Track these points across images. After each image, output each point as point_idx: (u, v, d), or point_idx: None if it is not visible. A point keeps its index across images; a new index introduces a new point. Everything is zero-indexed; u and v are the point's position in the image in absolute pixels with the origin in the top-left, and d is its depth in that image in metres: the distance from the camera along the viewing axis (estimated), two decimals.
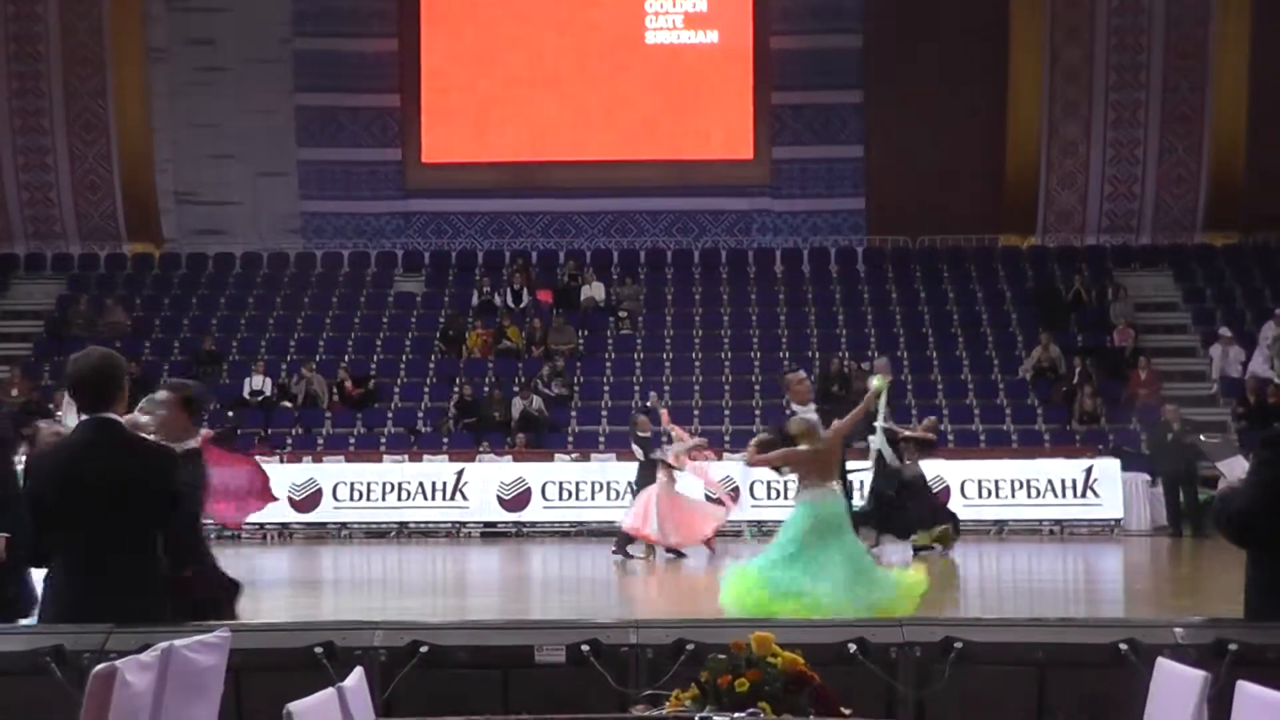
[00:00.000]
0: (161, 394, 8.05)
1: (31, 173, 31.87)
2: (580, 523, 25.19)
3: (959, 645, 6.15)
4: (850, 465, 15.91)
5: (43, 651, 5.88)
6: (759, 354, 29.68)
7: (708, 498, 21.66)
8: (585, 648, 6.16)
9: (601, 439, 27.70)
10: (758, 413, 27.60)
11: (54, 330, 30.34)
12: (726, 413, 28.38)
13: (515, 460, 25.92)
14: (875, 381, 14.19)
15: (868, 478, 19.68)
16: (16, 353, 29.93)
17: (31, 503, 6.49)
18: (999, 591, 17.66)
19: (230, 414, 27.70)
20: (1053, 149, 31.63)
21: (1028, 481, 25.03)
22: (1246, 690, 4.70)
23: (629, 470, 22.17)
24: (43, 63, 31.38)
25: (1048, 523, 25.16)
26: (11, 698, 5.87)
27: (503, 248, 32.52)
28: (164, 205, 32.23)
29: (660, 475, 20.23)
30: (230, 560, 20.28)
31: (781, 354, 29.31)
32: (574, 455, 26.26)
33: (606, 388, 29.15)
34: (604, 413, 28.55)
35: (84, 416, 6.48)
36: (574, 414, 28.48)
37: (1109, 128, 31.41)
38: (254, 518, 20.98)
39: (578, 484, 25.20)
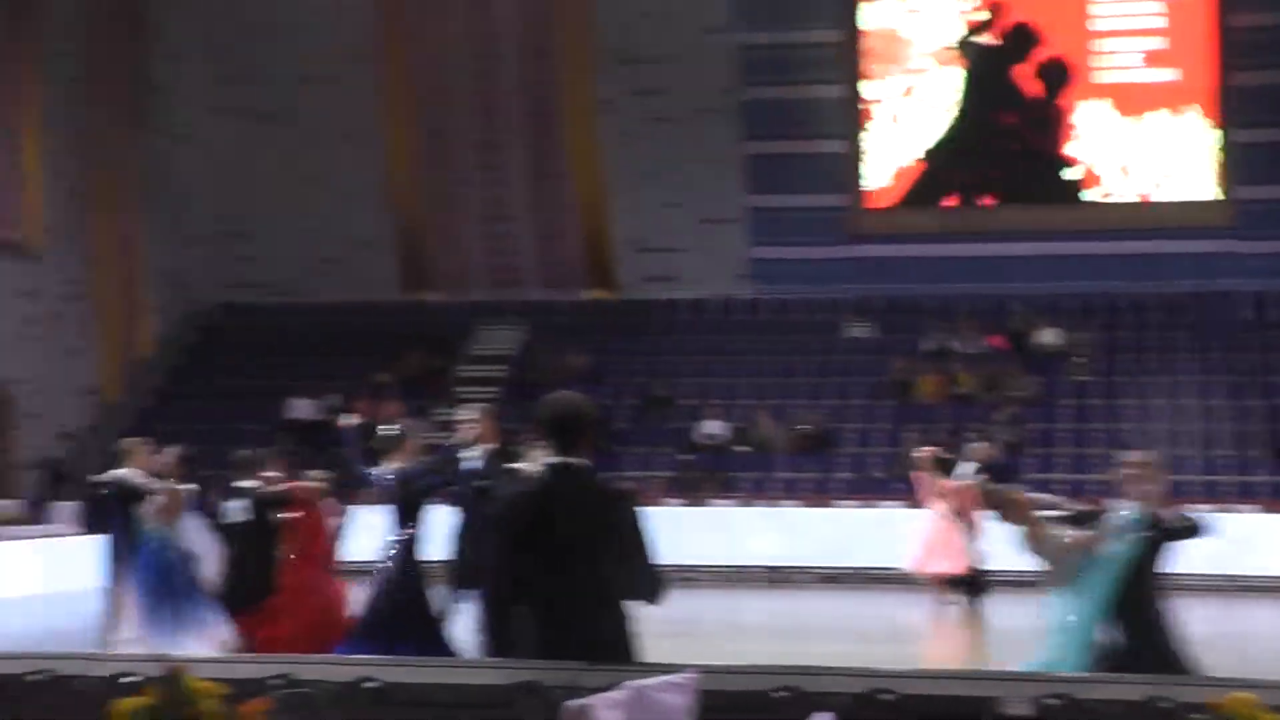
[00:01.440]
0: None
1: (493, 224, 33.12)
2: (1026, 571, 24.55)
3: (887, 696, 5.93)
4: None
5: (517, 686, 6.03)
6: (1225, 402, 28.55)
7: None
8: (1054, 701, 5.96)
9: (1055, 486, 27.05)
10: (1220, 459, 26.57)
11: (517, 375, 31.41)
12: (1198, 462, 27.33)
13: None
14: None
15: None
16: (483, 396, 31.07)
17: (501, 542, 6.67)
18: None
19: (687, 457, 28.19)
20: None
21: None
22: None
23: None
24: (502, 118, 32.60)
25: None
26: None
27: (954, 292, 32.17)
28: (619, 253, 33.04)
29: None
30: (689, 601, 20.60)
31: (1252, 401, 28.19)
32: None
33: (1062, 436, 28.48)
34: (1059, 461, 27.90)
35: (553, 459, 6.61)
36: (1028, 462, 27.91)
37: None
38: None
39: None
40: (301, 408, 30.85)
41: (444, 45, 32.43)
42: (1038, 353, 30.25)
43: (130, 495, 13.01)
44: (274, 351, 33.04)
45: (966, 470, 21.18)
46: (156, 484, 13.12)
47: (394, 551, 11.40)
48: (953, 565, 20.49)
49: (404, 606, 11.32)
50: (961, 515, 20.38)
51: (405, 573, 11.38)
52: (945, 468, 21.21)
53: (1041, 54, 31.99)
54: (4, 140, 27.90)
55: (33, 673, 6.26)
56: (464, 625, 11.07)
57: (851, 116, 32.37)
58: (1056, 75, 31.95)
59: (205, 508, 15.35)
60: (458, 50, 32.40)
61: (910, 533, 21.34)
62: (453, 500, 11.86)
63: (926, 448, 22.06)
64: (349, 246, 33.32)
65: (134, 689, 5.41)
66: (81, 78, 30.47)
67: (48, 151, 29.07)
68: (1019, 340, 30.51)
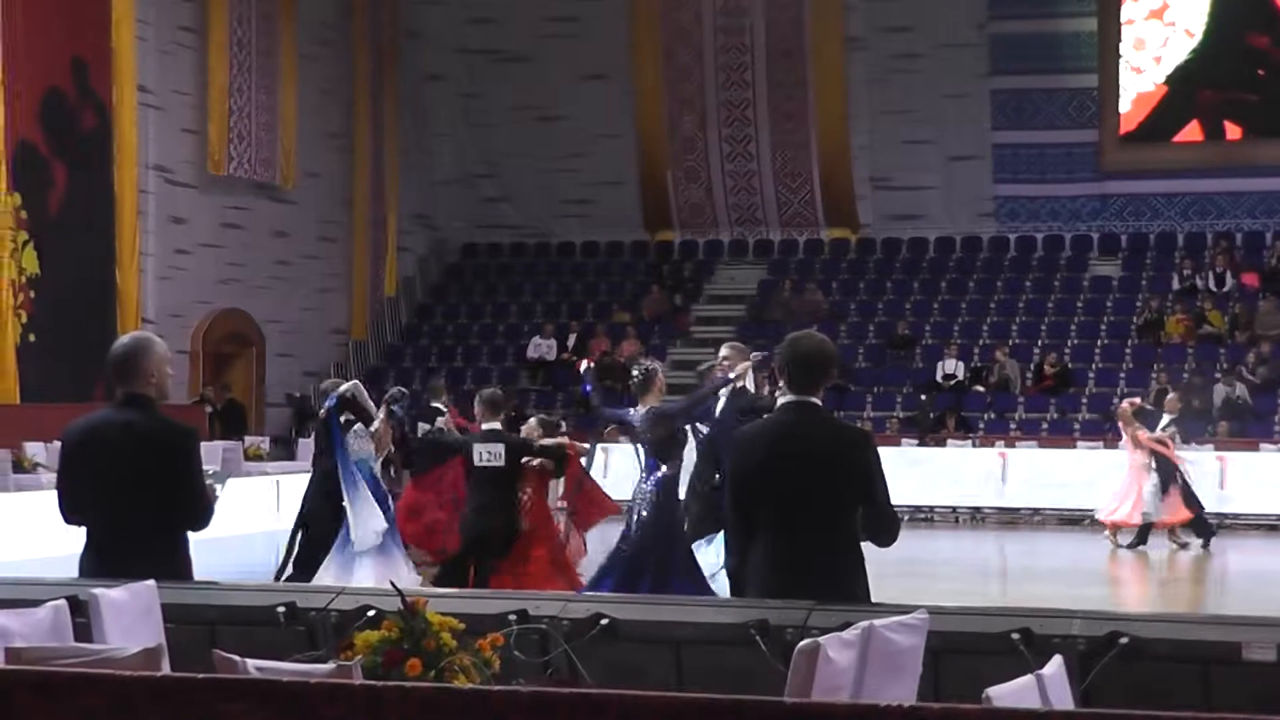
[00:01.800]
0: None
1: (736, 162, 33.10)
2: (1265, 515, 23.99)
3: (1124, 640, 5.88)
4: None
5: (750, 624, 6.08)
6: None
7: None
8: None
9: None
10: None
11: (755, 314, 31.47)
12: None
13: (1217, 449, 24.95)
14: None
15: None
16: (721, 335, 31.16)
17: (733, 480, 6.70)
18: None
19: (923, 397, 27.97)
20: None
21: None
22: None
23: None
24: (747, 54, 32.52)
25: None
26: (722, 665, 6.10)
27: (1204, 229, 31.35)
28: (860, 192, 32.79)
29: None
30: (922, 542, 20.50)
31: None
32: None
33: None
34: None
35: (789, 398, 6.62)
36: None
37: None
38: None
39: None
40: (542, 347, 31.27)
41: None
42: None
43: (362, 414, 12.89)
44: (516, 291, 33.53)
45: (1164, 421, 21.09)
46: (378, 412, 13.04)
47: (649, 491, 11.42)
48: (1132, 514, 20.46)
49: (653, 546, 11.35)
50: (1156, 466, 20.35)
51: (660, 513, 11.39)
52: (1146, 419, 21.07)
53: None
54: (262, 84, 28.64)
55: (279, 604, 6.47)
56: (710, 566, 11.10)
57: (1103, 49, 31.58)
58: None
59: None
60: None
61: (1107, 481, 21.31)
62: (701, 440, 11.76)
63: (1128, 400, 21.93)
64: (593, 187, 33.60)
65: (376, 622, 5.56)
66: (336, 22, 31.13)
67: (304, 94, 29.77)
68: (1274, 277, 29.62)
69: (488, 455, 12.56)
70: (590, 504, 13.48)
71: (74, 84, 25.12)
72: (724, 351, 11.60)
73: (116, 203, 25.57)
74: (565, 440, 13.52)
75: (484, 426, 12.87)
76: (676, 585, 10.85)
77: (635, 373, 11.92)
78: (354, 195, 31.70)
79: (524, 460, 12.74)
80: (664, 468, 11.41)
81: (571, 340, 31.24)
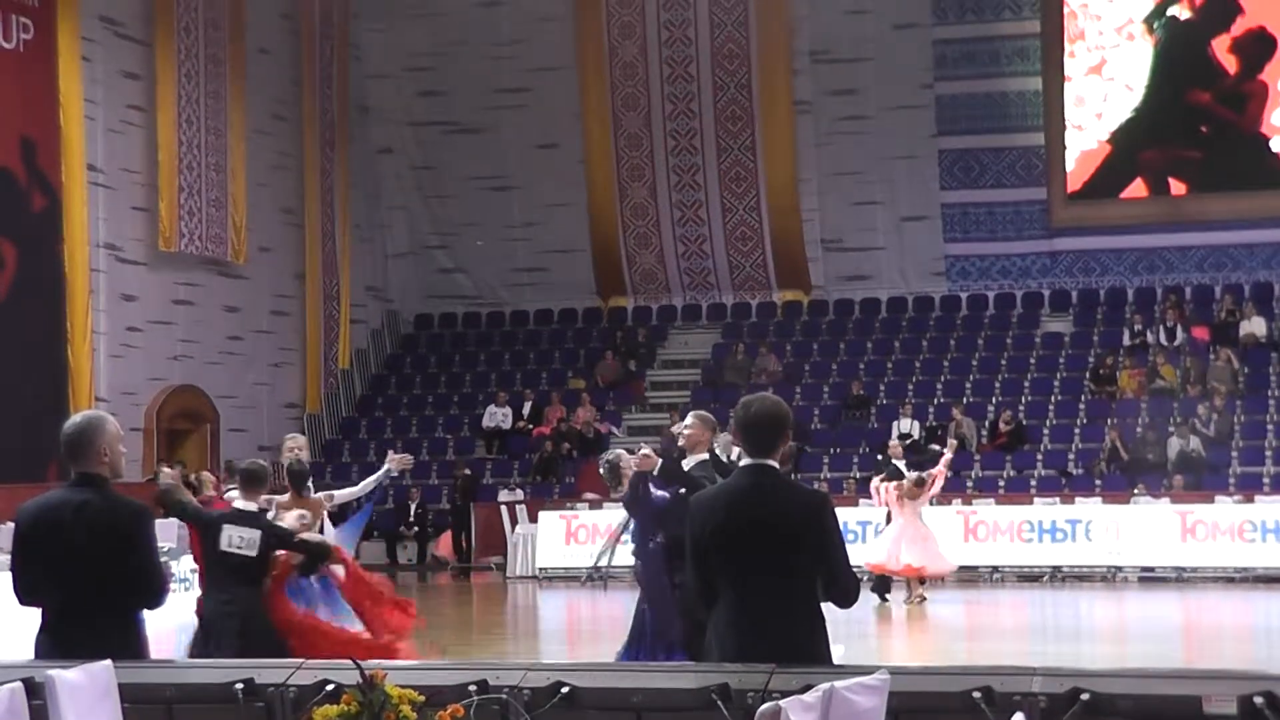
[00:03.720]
0: None
1: (687, 226, 33.23)
2: (1244, 568, 24.12)
3: (1085, 696, 5.84)
4: None
5: (711, 689, 6.05)
6: None
7: None
8: (1259, 700, 5.83)
9: (1265, 480, 26.49)
10: None
11: (710, 379, 31.52)
12: None
13: (1173, 502, 25.07)
14: None
15: None
16: (675, 400, 31.25)
17: (691, 546, 6.69)
18: None
19: (879, 458, 27.99)
20: None
21: None
22: None
23: None
24: (696, 120, 32.70)
25: None
26: None
27: (1154, 284, 31.59)
28: (811, 253, 32.94)
29: None
30: (875, 602, 20.47)
31: None
32: (1236, 498, 25.18)
33: (1270, 426, 27.83)
34: (1268, 453, 27.27)
35: (746, 462, 6.61)
36: (1235, 455, 27.33)
37: None
38: None
39: (1239, 526, 24.12)
40: (498, 415, 31.23)
41: (639, 53, 32.58)
42: (1245, 343, 29.55)
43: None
44: (471, 361, 33.52)
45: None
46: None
47: (644, 563, 11.28)
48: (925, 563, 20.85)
49: (653, 617, 11.24)
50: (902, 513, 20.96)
51: (658, 582, 11.26)
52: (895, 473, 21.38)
53: (1240, 26, 31.13)
54: (212, 160, 28.62)
55: (236, 681, 6.42)
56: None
57: (1048, 108, 31.84)
58: (1257, 48, 31.06)
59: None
60: (653, 56, 32.55)
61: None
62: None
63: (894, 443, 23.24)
64: (545, 256, 33.67)
65: (335, 696, 5.52)
66: (286, 97, 31.17)
67: (255, 170, 29.77)
68: (1224, 330, 29.84)
69: (239, 541, 10.34)
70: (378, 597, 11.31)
71: (23, 164, 25.08)
72: (688, 420, 11.53)
73: (67, 282, 25.49)
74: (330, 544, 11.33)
75: (237, 505, 10.65)
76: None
77: (601, 469, 11.83)
78: (306, 269, 31.67)
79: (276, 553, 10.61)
80: (655, 538, 11.31)
81: (527, 408, 31.24)
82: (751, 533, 6.39)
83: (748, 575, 6.38)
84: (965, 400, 29.74)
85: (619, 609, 13.58)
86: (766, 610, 6.35)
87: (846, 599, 6.64)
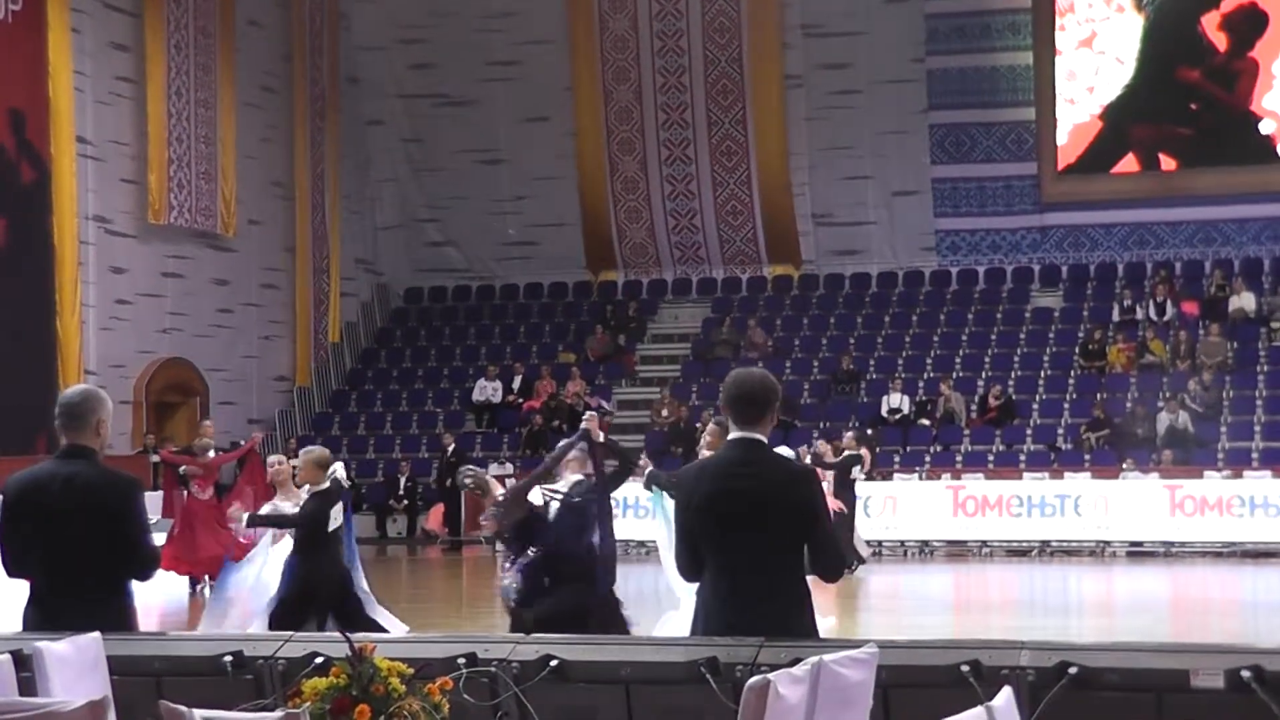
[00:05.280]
0: None
1: (678, 201, 33.19)
2: (1232, 543, 24.19)
3: (1073, 670, 5.89)
4: None
5: (700, 662, 6.06)
6: None
7: None
8: (1246, 673, 5.85)
9: (1254, 455, 26.53)
10: None
11: (700, 353, 31.52)
12: None
13: (1162, 477, 25.14)
14: None
15: None
16: (665, 374, 31.25)
17: (679, 516, 6.68)
18: None
19: (869, 431, 28.02)
20: None
21: None
22: None
23: None
24: (686, 94, 32.63)
25: None
26: (672, 704, 6.09)
27: (1144, 259, 31.59)
28: (802, 228, 32.91)
29: None
30: (873, 576, 20.52)
31: None
32: (1225, 473, 25.24)
33: (1259, 401, 27.87)
34: (1257, 428, 27.31)
35: (734, 434, 6.61)
36: (1224, 430, 27.37)
37: None
38: None
39: (1228, 501, 24.19)
40: (488, 389, 31.22)
41: (630, 26, 32.51)
42: (1234, 318, 29.57)
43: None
44: (461, 334, 33.49)
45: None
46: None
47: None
48: None
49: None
50: None
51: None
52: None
53: (1230, 2, 31.07)
54: (201, 133, 28.55)
55: (225, 654, 6.42)
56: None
57: (1039, 83, 31.77)
58: (1248, 24, 31.01)
59: None
60: (644, 30, 32.47)
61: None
62: None
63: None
64: (535, 229, 33.61)
65: (324, 669, 5.52)
66: (275, 70, 31.08)
67: (245, 142, 29.70)
68: (1214, 306, 29.86)
69: None
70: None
71: (12, 136, 24.99)
72: (710, 426, 11.29)
73: (56, 254, 25.42)
74: None
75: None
76: None
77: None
78: (296, 242, 31.60)
79: None
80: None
81: (517, 382, 31.21)
82: (738, 504, 6.39)
83: (733, 547, 6.38)
84: (955, 375, 29.75)
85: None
86: (752, 582, 6.35)
87: (833, 572, 6.66)
